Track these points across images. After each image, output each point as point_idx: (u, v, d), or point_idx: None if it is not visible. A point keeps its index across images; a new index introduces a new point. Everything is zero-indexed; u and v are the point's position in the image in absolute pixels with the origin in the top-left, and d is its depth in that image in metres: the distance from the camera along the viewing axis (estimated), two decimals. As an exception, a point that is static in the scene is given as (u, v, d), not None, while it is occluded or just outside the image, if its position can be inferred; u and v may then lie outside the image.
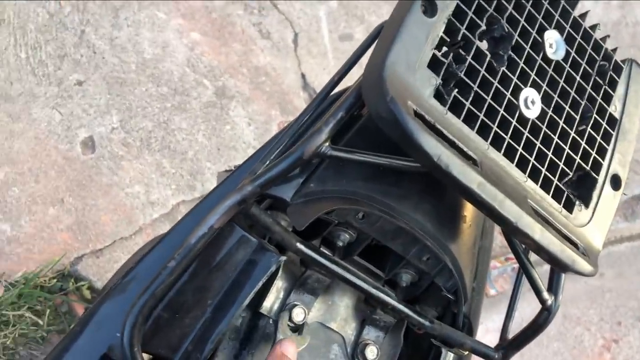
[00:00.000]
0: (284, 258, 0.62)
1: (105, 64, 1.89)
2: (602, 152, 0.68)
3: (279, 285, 0.67)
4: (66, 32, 1.88)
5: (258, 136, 2.00)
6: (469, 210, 0.72)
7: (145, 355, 0.69)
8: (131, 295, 0.56)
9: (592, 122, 0.67)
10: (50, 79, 1.82)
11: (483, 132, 0.59)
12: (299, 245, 0.62)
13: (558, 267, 0.61)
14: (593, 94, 0.67)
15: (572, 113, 0.65)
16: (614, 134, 0.69)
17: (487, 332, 2.07)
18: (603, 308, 2.26)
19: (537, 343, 2.17)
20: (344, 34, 2.20)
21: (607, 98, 0.69)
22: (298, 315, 0.67)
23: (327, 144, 0.56)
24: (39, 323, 1.58)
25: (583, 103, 0.66)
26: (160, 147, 1.86)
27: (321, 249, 0.70)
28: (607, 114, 0.69)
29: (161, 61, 1.94)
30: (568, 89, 0.65)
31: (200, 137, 1.92)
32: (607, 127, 0.68)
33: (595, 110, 0.67)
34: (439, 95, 0.56)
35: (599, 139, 0.67)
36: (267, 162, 0.61)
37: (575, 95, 0.65)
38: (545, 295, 0.68)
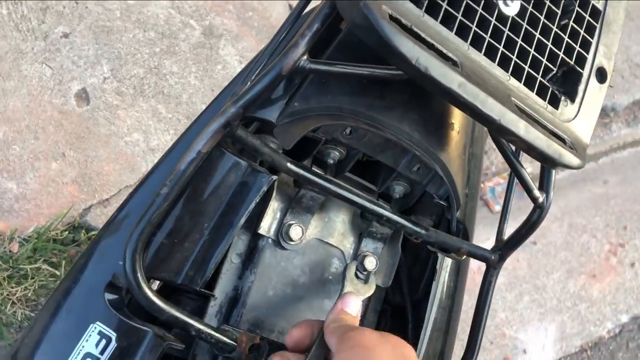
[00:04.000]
0: (275, 177, 0.62)
1: (89, 13, 1.86)
2: (586, 45, 0.67)
3: (274, 206, 0.69)
4: (45, -17, 1.84)
5: (251, 73, 1.98)
6: (456, 117, 0.72)
7: (156, 284, 0.71)
8: (129, 226, 0.58)
9: (574, 15, 0.66)
10: (36, 33, 1.80)
11: (462, 33, 0.59)
12: (290, 165, 0.63)
13: (546, 162, 0.61)
14: (574, -15, 0.66)
15: (553, 7, 0.64)
16: (598, 26, 0.68)
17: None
18: (608, 214, 2.29)
19: (544, 253, 2.21)
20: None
21: (589, -11, 0.67)
22: (296, 232, 0.68)
23: (305, 57, 0.56)
24: (57, 274, 1.63)
25: (564, -4, 0.65)
26: (154, 93, 1.86)
27: (313, 167, 0.71)
28: (590, 6, 0.68)
29: (145, 5, 1.90)
30: (548, -18, 0.64)
31: (192, 80, 1.91)
32: (590, 19, 0.67)
33: (578, 3, 0.66)
34: (413, -2, 0.56)
35: (582, 32, 0.67)
36: (248, 83, 0.61)
37: (556, -11, 0.64)
38: (536, 193, 0.69)
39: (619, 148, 2.46)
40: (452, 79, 0.54)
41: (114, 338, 0.57)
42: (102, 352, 0.57)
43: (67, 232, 1.68)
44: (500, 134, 0.58)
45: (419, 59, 0.52)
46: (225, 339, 0.61)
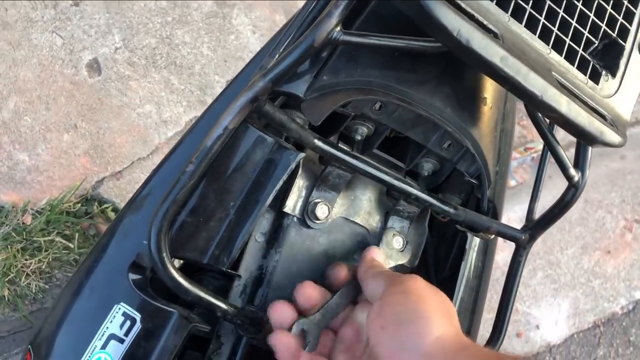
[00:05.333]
0: (302, 154, 0.60)
1: (99, -20, 1.81)
2: (629, 16, 0.64)
3: (300, 184, 0.67)
4: (54, -50, 1.80)
5: (264, 43, 1.95)
6: (489, 91, 0.70)
7: (176, 262, 0.70)
8: (153, 204, 0.56)
9: (619, -16, 0.63)
10: (45, 1, 1.76)
11: (503, 3, 0.55)
12: (317, 142, 0.60)
13: (586, 140, 0.59)
14: (619, -48, 0.62)
15: (597, -25, 0.61)
16: (642, -4, 0.65)
17: (509, 223, 2.09)
18: (624, 190, 2.26)
19: (559, 229, 2.19)
20: None
21: (635, -43, 0.64)
22: (322, 211, 0.66)
23: (338, 28, 0.53)
24: (70, 247, 1.62)
25: (609, -36, 0.61)
26: (166, 63, 1.82)
27: (339, 144, 0.68)
28: (635, -25, 0.64)
29: (156, -27, 1.86)
30: (592, -51, 0.60)
31: (205, 50, 1.87)
32: (634, -11, 0.64)
33: (623, -29, 0.63)
34: (454, -33, 0.52)
35: (626, 2, 0.63)
36: (277, 55, 0.58)
37: (600, -44, 0.61)
38: (572, 171, 0.66)
39: (637, 123, 2.41)
40: (494, 52, 0.51)
41: (138, 319, 0.56)
42: (126, 334, 0.56)
43: (79, 205, 1.67)
44: (540, 110, 0.56)
45: (460, 30, 0.49)
46: (251, 319, 0.59)
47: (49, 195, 1.66)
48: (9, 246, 1.56)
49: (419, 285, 0.55)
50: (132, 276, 0.57)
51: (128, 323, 0.56)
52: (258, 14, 1.93)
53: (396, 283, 0.55)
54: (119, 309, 0.56)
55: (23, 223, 1.61)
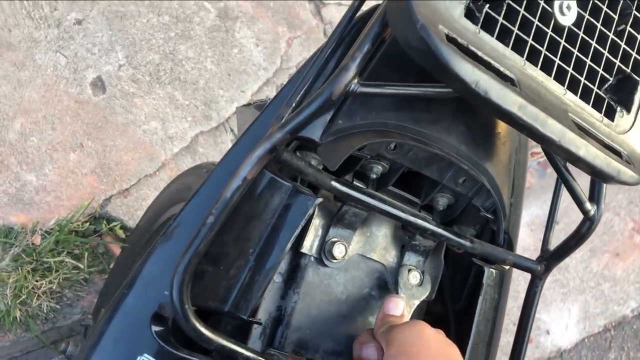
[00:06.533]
0: (320, 200, 0.60)
1: (101, -2, 1.81)
2: (643, 51, 0.64)
3: (316, 223, 0.67)
4: (55, -32, 1.80)
5: (267, 56, 1.95)
6: (502, 126, 0.70)
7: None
8: (174, 252, 0.56)
9: (631, 19, 0.62)
10: (48, 21, 1.76)
11: (518, 47, 0.55)
12: (334, 184, 0.60)
13: (602, 179, 0.59)
14: (632, -13, 0.62)
15: (610, 13, 0.61)
16: (656, 30, 0.65)
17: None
18: (632, 191, 2.26)
19: (566, 233, 2.18)
20: None
21: (647, -10, 0.64)
22: (339, 250, 0.67)
23: (355, 80, 0.53)
24: (80, 266, 1.63)
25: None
26: (170, 79, 1.82)
27: (354, 182, 0.69)
28: (648, 9, 0.64)
29: (158, -12, 1.85)
30: (605, -14, 0.60)
31: (208, 64, 1.87)
32: (647, 23, 0.64)
33: (635, 5, 0.63)
34: (469, 14, 0.52)
35: (639, 37, 0.63)
36: (293, 104, 0.58)
37: (613, -8, 0.61)
38: (588, 205, 0.66)
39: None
40: (512, 101, 0.51)
41: (161, 370, 0.56)
42: (150, 384, 0.56)
43: (88, 224, 1.68)
44: (557, 153, 0.56)
45: (478, 82, 0.49)
46: (272, 365, 0.60)
47: (57, 215, 1.66)
48: (19, 267, 1.57)
49: (408, 341, 0.58)
50: (155, 328, 0.57)
51: (152, 374, 0.56)
52: (261, 26, 1.93)
53: (390, 344, 0.59)
54: (142, 360, 0.56)
55: (33, 244, 1.61)
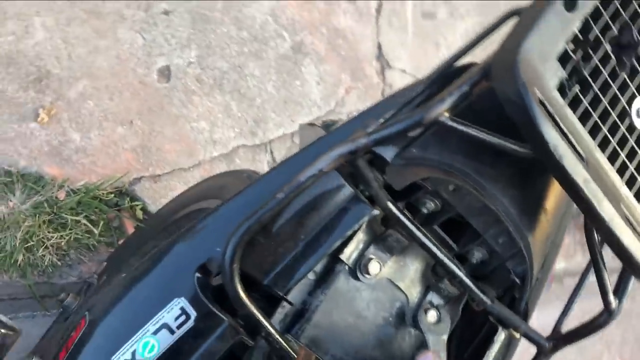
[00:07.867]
0: (376, 212, 0.65)
1: (194, -2, 1.93)
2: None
3: (360, 237, 0.71)
4: (162, -40, 1.92)
5: (325, 97, 2.03)
6: (551, 204, 0.75)
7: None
8: (238, 216, 0.61)
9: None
10: (140, 3, 1.87)
11: (593, 132, 0.61)
12: (390, 205, 0.65)
13: (635, 272, 0.63)
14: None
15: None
16: None
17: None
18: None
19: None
20: (427, 11, 2.20)
21: None
22: (374, 268, 0.71)
23: (446, 114, 0.59)
24: (93, 232, 1.66)
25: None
26: (231, 89, 1.91)
27: (405, 211, 0.73)
28: None
29: (247, 5, 1.97)
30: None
31: (270, 87, 1.96)
32: None
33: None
34: (561, 89, 0.58)
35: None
36: (382, 119, 0.64)
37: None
38: (611, 297, 0.70)
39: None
40: (579, 174, 0.56)
41: (192, 317, 0.60)
42: (179, 327, 0.60)
43: (112, 195, 1.73)
44: (604, 235, 0.60)
45: (557, 147, 0.55)
46: (288, 348, 0.63)
47: (87, 178, 1.72)
48: (37, 215, 1.61)
49: None
50: (198, 276, 0.61)
51: (183, 318, 0.60)
52: (327, 68, 2.03)
53: None
54: (178, 302, 0.60)
55: (56, 197, 1.66)
